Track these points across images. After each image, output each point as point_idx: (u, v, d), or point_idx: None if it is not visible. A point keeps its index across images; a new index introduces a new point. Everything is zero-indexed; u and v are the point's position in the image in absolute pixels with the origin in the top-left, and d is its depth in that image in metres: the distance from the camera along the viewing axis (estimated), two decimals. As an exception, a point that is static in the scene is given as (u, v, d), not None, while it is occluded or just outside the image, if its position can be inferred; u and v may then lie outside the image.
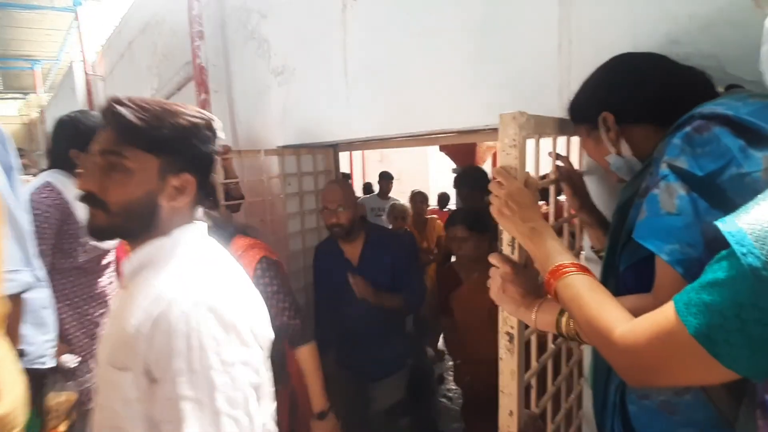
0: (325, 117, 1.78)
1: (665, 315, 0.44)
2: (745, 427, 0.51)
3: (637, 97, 0.73)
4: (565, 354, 1.07)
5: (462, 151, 4.47)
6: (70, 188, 1.69)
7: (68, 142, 1.63)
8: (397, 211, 3.34)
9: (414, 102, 1.44)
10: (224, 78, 2.37)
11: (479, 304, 1.53)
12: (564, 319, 0.64)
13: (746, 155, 0.54)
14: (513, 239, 0.73)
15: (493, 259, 0.74)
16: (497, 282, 0.73)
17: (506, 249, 0.74)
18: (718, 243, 0.39)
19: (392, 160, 7.15)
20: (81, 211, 1.73)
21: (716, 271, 0.40)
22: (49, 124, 6.81)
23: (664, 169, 0.59)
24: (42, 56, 7.76)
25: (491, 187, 0.72)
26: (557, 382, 1.02)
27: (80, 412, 2.03)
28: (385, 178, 4.32)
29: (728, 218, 0.39)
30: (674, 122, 0.64)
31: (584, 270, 0.60)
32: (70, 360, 1.69)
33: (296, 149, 2.06)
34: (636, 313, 0.50)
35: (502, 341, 0.77)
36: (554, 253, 0.63)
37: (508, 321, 0.76)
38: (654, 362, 0.45)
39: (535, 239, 0.66)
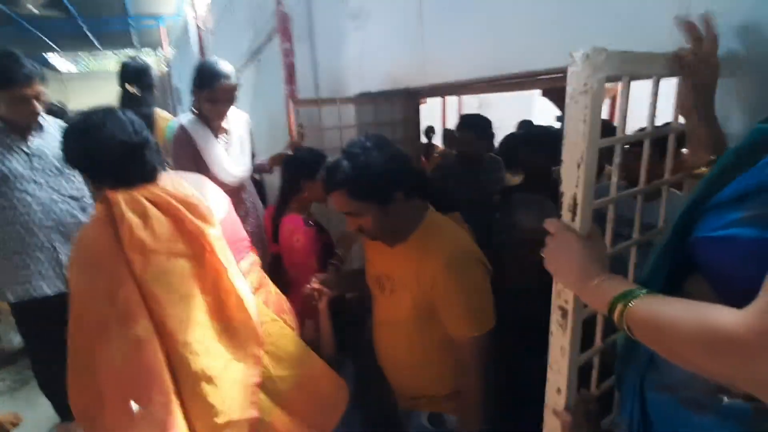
0: (401, 62, 1.69)
1: None
2: None
3: None
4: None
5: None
6: (199, 129, 1.81)
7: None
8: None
9: (494, 42, 1.28)
10: (306, 25, 2.37)
11: None
12: (620, 307, 0.53)
13: None
14: (575, 202, 0.63)
15: (549, 226, 0.65)
16: (552, 250, 0.65)
17: (566, 215, 0.65)
18: None
19: (491, 105, 6.59)
20: (214, 155, 1.83)
21: None
22: (175, 77, 7.59)
23: None
24: (166, 13, 8.62)
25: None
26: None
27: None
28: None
29: None
30: None
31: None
32: None
33: (373, 98, 2.02)
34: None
35: (554, 316, 0.70)
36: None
37: (562, 294, 0.68)
38: None
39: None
